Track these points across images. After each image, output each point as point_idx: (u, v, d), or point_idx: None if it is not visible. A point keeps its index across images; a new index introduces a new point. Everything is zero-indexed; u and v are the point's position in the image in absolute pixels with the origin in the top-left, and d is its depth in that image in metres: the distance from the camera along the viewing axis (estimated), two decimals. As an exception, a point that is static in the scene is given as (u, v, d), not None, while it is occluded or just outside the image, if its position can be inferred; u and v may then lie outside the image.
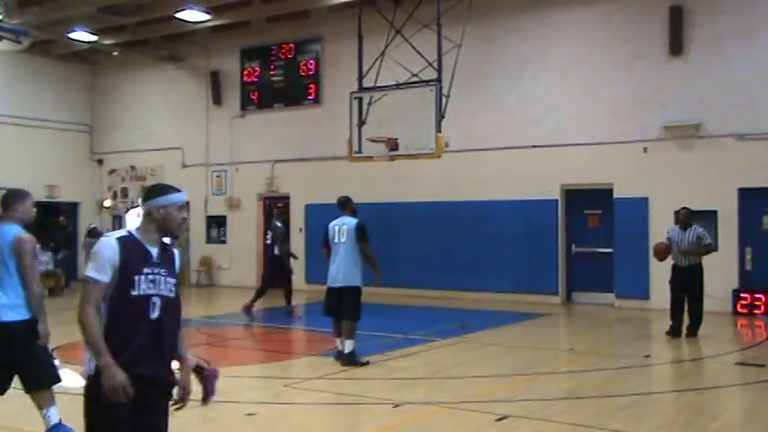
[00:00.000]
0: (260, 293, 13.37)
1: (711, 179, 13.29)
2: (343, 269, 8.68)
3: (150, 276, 3.34)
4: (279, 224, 13.75)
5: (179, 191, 3.61)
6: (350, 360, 8.57)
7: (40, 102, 20.16)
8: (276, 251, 13.52)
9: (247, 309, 13.07)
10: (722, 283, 12.57)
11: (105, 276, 3.28)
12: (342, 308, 8.71)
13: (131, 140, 20.79)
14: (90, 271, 3.29)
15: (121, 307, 3.28)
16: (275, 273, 13.48)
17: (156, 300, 3.36)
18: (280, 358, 10.08)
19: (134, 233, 3.43)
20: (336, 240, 8.81)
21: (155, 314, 3.34)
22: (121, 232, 3.42)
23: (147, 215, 3.49)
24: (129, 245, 3.34)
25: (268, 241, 13.62)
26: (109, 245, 3.32)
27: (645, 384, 8.11)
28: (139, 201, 3.58)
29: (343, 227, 8.84)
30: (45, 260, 16.97)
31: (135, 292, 3.31)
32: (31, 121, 19.82)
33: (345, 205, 9.07)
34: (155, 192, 3.55)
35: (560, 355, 10.19)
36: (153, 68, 20.20)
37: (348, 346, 8.61)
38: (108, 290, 3.28)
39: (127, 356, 3.24)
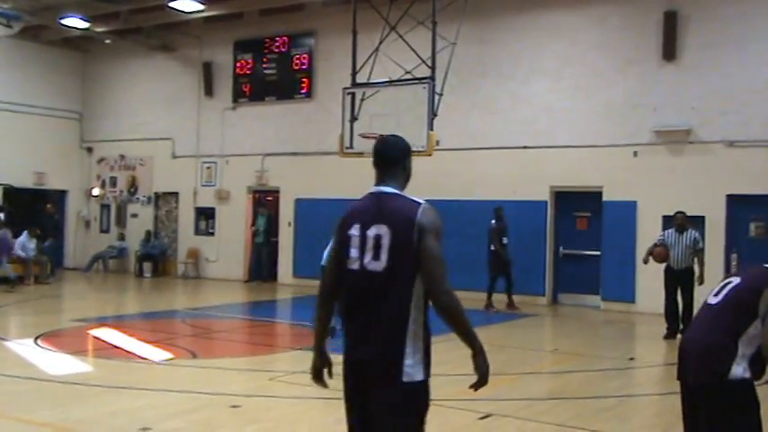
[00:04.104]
0: (491, 290, 13.79)
1: (700, 185, 13.36)
2: None
3: None
4: (493, 222, 13.88)
5: None
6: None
7: (30, 88, 20.00)
8: (492, 248, 13.80)
9: (489, 307, 13.65)
10: (707, 288, 12.57)
11: None
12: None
13: (121, 129, 20.67)
14: None
15: None
16: (497, 268, 13.84)
17: None
18: (265, 351, 10.07)
19: None
20: None
21: None
22: None
23: None
24: None
25: (505, 241, 13.91)
26: None
27: (628, 387, 8.16)
28: None
29: None
30: (31, 247, 16.87)
31: None
32: (20, 107, 19.67)
33: None
34: None
35: (545, 355, 10.22)
36: (145, 58, 20.09)
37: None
38: None
39: None
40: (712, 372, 3.66)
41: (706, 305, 3.91)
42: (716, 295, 3.84)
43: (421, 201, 3.21)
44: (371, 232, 3.21)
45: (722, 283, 3.89)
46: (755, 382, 3.72)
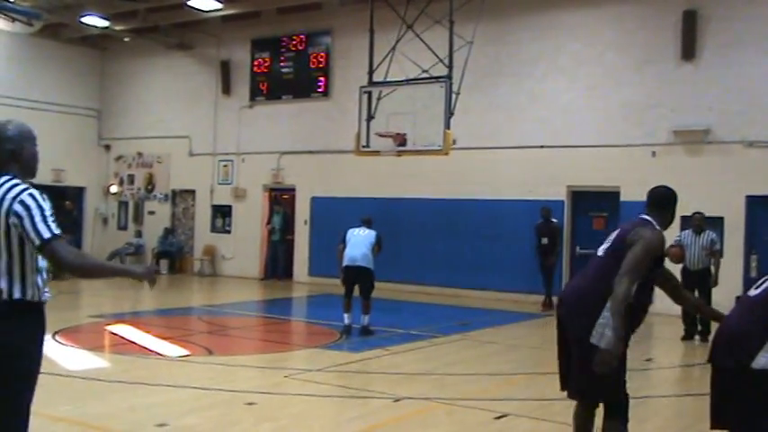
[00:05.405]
0: (548, 286, 13.94)
1: (719, 185, 13.24)
2: (361, 250, 10.18)
3: None
4: (554, 220, 14.07)
5: None
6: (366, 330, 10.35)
7: (48, 85, 20.16)
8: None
9: (544, 306, 13.74)
10: (726, 289, 12.50)
11: None
12: (360, 287, 10.33)
13: (139, 127, 20.81)
14: None
15: None
16: (540, 267, 14.19)
17: None
18: (280, 349, 10.10)
19: None
20: (357, 234, 10.38)
21: None
22: None
23: None
24: None
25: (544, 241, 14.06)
26: None
27: (645, 388, 8.09)
28: None
29: (363, 231, 10.46)
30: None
31: None
32: (39, 104, 19.81)
33: (370, 224, 10.71)
34: None
35: (561, 355, 10.16)
36: (163, 56, 20.20)
37: (365, 319, 10.34)
38: None
39: None
40: (734, 357, 3.77)
41: (745, 296, 4.04)
42: (756, 288, 3.93)
43: (657, 227, 4.38)
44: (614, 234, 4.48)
45: (765, 278, 3.97)
46: None
